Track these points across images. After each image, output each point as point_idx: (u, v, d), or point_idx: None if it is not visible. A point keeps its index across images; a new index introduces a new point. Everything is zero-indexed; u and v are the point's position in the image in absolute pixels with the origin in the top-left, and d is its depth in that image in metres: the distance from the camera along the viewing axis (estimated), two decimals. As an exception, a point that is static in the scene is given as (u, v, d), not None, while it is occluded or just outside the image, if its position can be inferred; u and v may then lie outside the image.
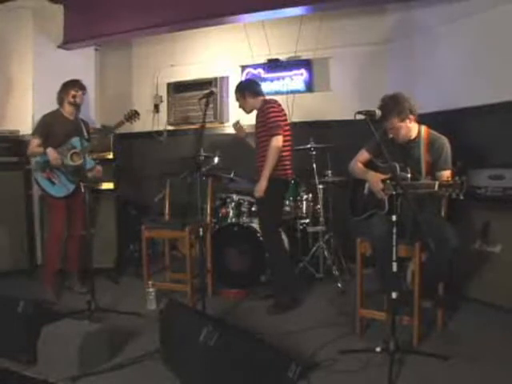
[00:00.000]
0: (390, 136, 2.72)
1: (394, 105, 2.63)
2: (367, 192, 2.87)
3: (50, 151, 3.44)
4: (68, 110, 3.59)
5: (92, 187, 3.95)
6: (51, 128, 3.52)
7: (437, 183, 2.27)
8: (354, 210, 2.96)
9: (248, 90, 3.43)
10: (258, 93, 3.44)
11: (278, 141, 3.19)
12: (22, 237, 4.11)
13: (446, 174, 2.59)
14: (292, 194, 4.00)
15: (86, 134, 3.59)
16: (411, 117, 2.66)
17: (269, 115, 3.25)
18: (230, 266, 3.67)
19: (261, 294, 3.52)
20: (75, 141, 3.48)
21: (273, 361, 2.16)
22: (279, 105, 3.34)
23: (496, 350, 2.50)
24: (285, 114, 3.34)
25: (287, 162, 3.32)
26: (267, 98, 3.45)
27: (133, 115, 3.47)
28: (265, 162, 3.22)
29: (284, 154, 3.28)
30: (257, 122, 3.42)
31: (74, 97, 3.52)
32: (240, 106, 3.49)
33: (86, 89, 3.67)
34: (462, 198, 2.19)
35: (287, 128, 3.32)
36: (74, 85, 3.57)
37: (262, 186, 3.21)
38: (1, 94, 4.45)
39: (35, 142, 3.51)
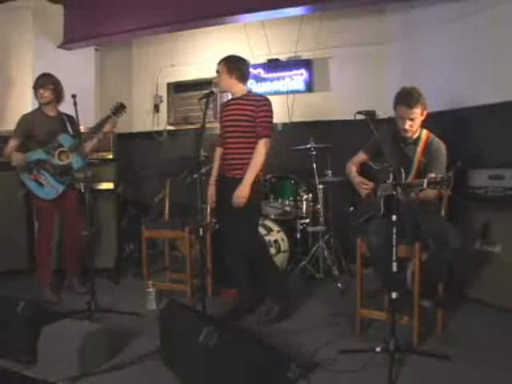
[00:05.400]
0: (404, 127, 2.68)
1: (419, 95, 2.65)
2: (363, 195, 2.88)
3: (15, 155, 3.27)
4: (46, 108, 3.46)
5: (91, 187, 3.96)
6: (31, 127, 3.37)
7: (425, 181, 2.30)
8: (354, 212, 2.96)
9: (236, 68, 2.95)
10: (244, 77, 3.00)
11: (268, 144, 2.91)
12: (21, 236, 4.09)
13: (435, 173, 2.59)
14: (292, 194, 4.00)
15: (70, 130, 3.41)
16: (425, 112, 2.68)
17: (268, 113, 2.92)
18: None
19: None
20: (62, 138, 3.34)
21: (273, 361, 2.16)
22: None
23: (496, 349, 2.49)
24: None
25: None
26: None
27: (119, 108, 3.35)
28: (244, 161, 2.92)
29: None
30: (233, 111, 2.99)
31: (40, 97, 3.39)
32: (215, 82, 2.99)
33: (48, 83, 3.39)
34: (449, 193, 2.29)
35: None
36: (36, 83, 3.41)
37: (246, 191, 2.87)
38: (1, 93, 4.45)
39: (12, 144, 3.34)
